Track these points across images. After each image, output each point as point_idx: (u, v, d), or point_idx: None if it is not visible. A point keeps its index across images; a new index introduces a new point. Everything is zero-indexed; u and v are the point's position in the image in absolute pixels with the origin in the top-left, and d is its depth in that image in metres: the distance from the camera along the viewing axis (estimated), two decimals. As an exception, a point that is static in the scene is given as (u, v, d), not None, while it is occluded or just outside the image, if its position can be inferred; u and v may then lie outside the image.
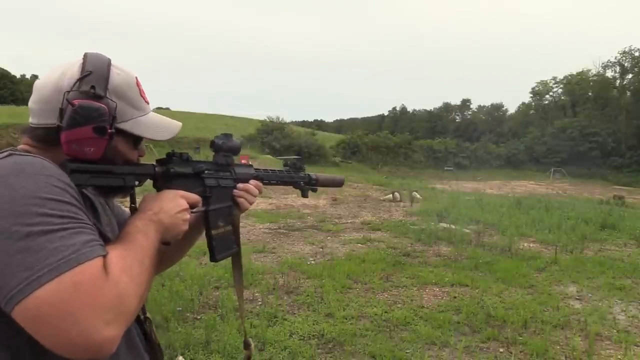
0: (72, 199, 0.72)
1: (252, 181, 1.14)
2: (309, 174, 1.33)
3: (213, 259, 1.06)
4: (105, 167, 0.82)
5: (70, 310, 0.62)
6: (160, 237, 0.84)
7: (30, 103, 0.84)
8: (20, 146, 0.84)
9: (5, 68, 58.33)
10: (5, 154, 0.75)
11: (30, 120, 0.84)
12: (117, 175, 0.85)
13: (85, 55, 0.84)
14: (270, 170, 1.23)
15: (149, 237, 0.81)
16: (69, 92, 0.78)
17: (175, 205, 0.89)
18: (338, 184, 1.44)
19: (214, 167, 1.05)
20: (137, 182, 0.90)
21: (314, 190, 1.36)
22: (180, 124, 0.98)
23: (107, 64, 0.84)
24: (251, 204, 1.12)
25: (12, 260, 0.63)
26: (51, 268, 0.63)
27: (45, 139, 0.82)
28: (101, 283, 0.66)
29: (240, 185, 1.11)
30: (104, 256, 0.70)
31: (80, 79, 0.79)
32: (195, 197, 0.95)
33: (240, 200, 1.10)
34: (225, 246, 1.08)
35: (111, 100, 0.81)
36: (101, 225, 0.89)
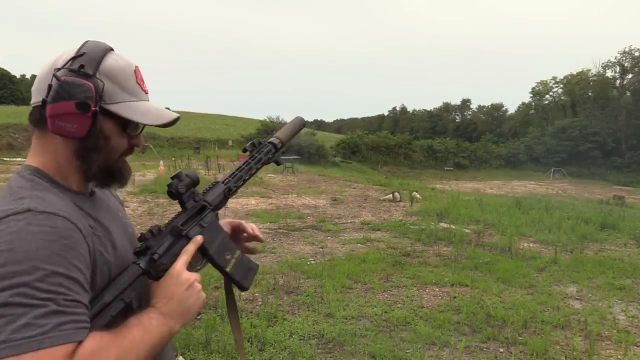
0: (71, 267, 0.70)
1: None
2: (271, 143, 1.21)
3: (243, 290, 1.06)
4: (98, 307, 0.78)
5: None
6: (173, 327, 0.83)
7: (32, 87, 0.86)
8: (28, 163, 0.84)
9: (5, 68, 58.43)
10: (25, 206, 0.72)
11: (31, 102, 0.86)
12: (112, 299, 0.81)
13: (86, 41, 0.85)
14: (236, 170, 1.13)
15: (148, 332, 0.78)
16: (58, 69, 0.79)
17: (180, 285, 0.86)
18: (299, 127, 1.30)
19: (187, 216, 0.98)
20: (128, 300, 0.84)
21: (284, 153, 1.25)
22: (176, 114, 0.94)
23: (104, 49, 0.85)
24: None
25: None
26: (12, 345, 0.61)
27: (40, 120, 0.82)
28: None
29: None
30: (80, 342, 0.68)
31: (73, 59, 0.81)
32: (190, 253, 0.92)
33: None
34: (245, 272, 1.05)
35: (100, 80, 0.81)
36: (111, 233, 0.89)
